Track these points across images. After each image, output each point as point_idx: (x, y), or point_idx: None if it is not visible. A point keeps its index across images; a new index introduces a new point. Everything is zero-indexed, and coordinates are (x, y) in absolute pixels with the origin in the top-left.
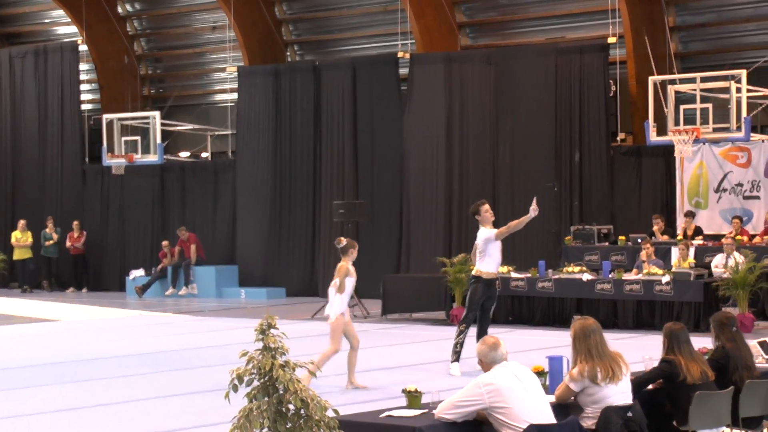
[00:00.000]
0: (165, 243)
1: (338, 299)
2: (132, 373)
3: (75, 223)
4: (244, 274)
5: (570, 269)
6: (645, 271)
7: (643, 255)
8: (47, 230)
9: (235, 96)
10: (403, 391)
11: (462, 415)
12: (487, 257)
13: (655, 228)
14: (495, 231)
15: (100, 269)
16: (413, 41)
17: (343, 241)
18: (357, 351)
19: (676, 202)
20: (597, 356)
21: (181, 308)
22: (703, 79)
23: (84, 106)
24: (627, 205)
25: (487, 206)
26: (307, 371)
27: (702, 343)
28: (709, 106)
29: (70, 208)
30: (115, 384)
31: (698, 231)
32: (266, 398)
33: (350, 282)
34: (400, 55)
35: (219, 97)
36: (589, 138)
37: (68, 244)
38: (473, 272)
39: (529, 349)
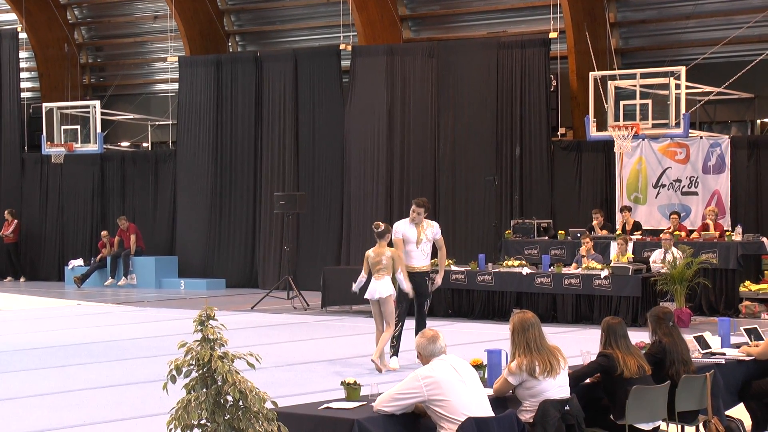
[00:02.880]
0: (104, 233)
1: (390, 280)
2: (69, 363)
3: (6, 211)
4: (183, 265)
5: (510, 263)
6: (584, 265)
7: (582, 250)
8: None
9: (176, 86)
10: (342, 383)
11: (400, 407)
12: (403, 254)
13: (595, 223)
14: (404, 236)
15: (39, 258)
16: (355, 33)
17: (381, 225)
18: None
19: (615, 197)
20: (535, 350)
21: (119, 298)
22: (643, 75)
23: (23, 94)
24: (567, 199)
25: (413, 207)
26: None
27: (639, 337)
28: (649, 102)
29: (8, 196)
30: (52, 374)
31: (637, 226)
32: (204, 389)
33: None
34: (342, 47)
35: (160, 86)
36: (530, 132)
37: (1, 233)
38: None
39: (468, 342)
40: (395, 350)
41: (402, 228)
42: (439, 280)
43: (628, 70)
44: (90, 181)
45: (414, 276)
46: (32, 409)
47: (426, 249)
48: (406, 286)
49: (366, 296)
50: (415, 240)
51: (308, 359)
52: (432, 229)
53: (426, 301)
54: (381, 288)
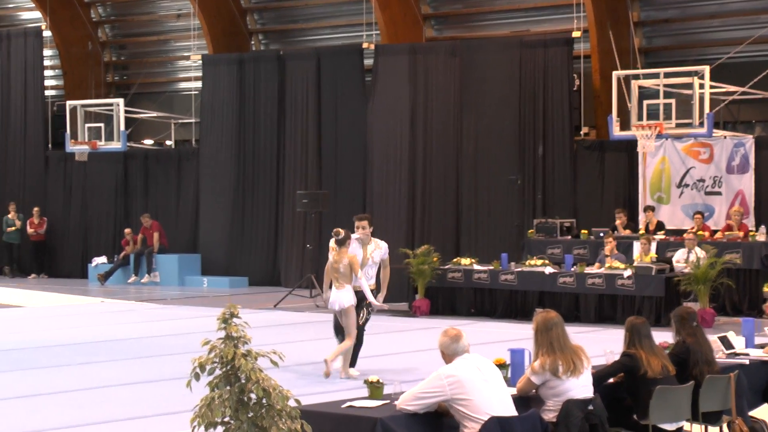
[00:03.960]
0: (128, 230)
1: (351, 289)
2: (93, 360)
3: (35, 209)
4: (206, 263)
5: (532, 262)
6: (607, 265)
7: (606, 249)
8: (9, 216)
9: (199, 84)
10: (365, 381)
11: (423, 406)
12: None
13: (618, 222)
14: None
15: (63, 256)
16: (378, 32)
17: (342, 232)
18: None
19: (638, 196)
20: (559, 349)
21: (143, 296)
22: (667, 75)
23: (47, 92)
24: (590, 199)
25: (356, 224)
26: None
27: (663, 337)
28: (673, 101)
29: (32, 194)
30: (76, 371)
31: (660, 226)
32: (228, 387)
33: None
34: (364, 45)
35: (183, 85)
36: (553, 131)
37: (29, 230)
38: None
39: (491, 341)
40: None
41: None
42: (381, 298)
43: (652, 69)
44: (113, 179)
45: (357, 294)
46: (55, 406)
47: (370, 272)
48: (370, 297)
49: (329, 306)
50: (360, 262)
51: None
52: (379, 252)
53: (365, 320)
54: (343, 298)
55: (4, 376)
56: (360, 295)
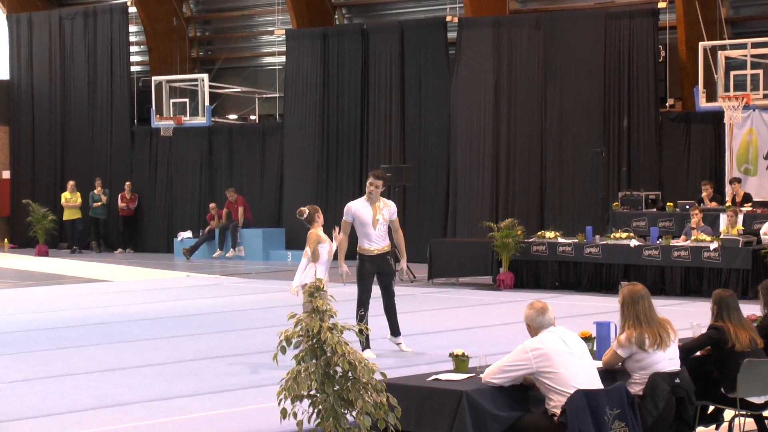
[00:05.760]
0: (212, 205)
1: (311, 269)
2: (179, 333)
3: (127, 184)
4: (291, 237)
5: (617, 235)
6: (693, 237)
7: (692, 222)
8: (96, 191)
9: (283, 59)
10: (450, 354)
11: (509, 379)
12: (360, 235)
13: (704, 194)
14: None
15: (148, 231)
16: (461, 5)
17: (305, 211)
18: None
19: (725, 168)
20: (645, 322)
21: (228, 270)
22: (754, 45)
23: (133, 68)
24: (675, 171)
25: (370, 180)
26: None
27: (750, 310)
28: (760, 72)
29: (118, 169)
30: (162, 344)
31: (747, 198)
32: (314, 360)
33: (324, 249)
34: (448, 18)
35: (267, 59)
36: (638, 103)
37: (120, 205)
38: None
39: (576, 314)
40: (367, 342)
41: (356, 207)
42: (404, 263)
43: (739, 39)
44: (198, 154)
45: (376, 259)
46: (143, 379)
47: (383, 230)
48: (311, 275)
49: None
50: (371, 221)
51: (415, 331)
52: (389, 209)
53: (392, 281)
54: (304, 276)
55: (94, 349)
56: (381, 259)
